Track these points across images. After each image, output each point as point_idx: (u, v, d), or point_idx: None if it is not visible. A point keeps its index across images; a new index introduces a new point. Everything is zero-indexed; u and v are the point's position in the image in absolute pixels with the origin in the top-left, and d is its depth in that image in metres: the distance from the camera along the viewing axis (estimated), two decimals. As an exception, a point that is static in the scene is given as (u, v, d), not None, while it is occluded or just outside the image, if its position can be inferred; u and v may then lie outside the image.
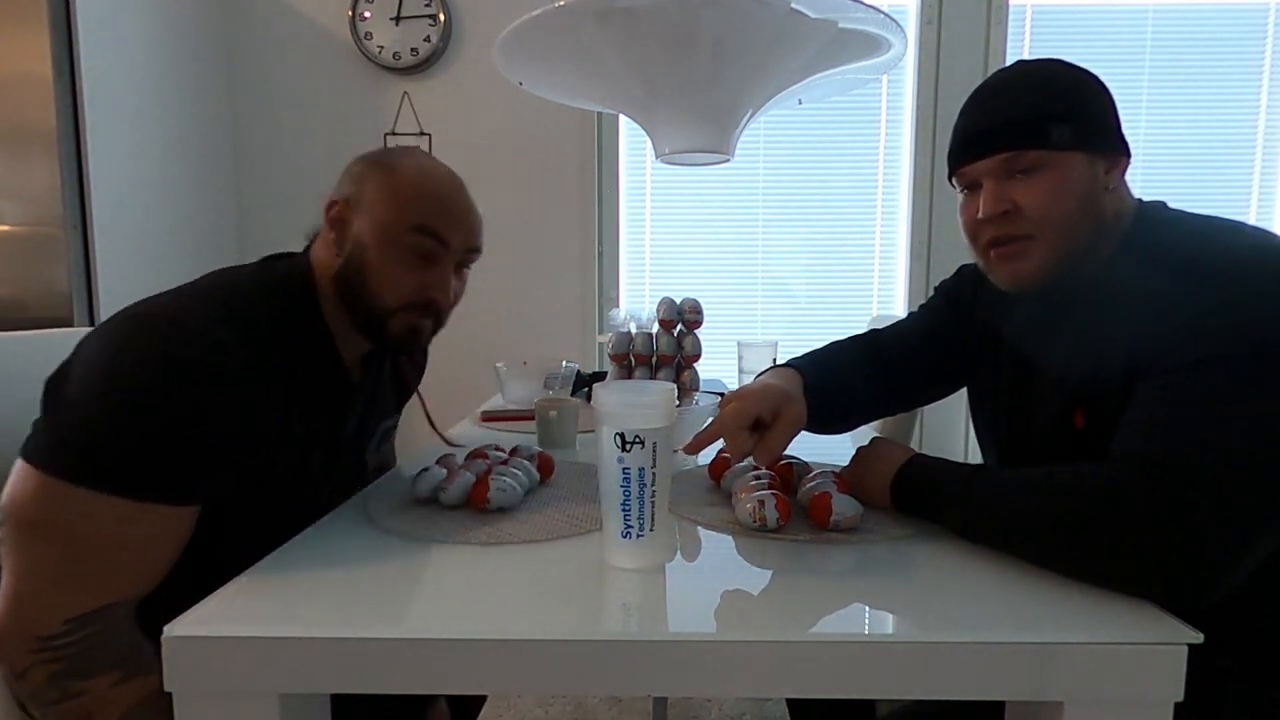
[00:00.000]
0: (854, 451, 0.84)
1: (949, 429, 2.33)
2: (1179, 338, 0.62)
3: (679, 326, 1.21)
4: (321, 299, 0.83)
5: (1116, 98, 0.75)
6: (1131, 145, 0.75)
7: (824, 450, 1.02)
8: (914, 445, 0.85)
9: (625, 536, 0.62)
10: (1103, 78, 0.76)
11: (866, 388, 0.96)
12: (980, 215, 0.75)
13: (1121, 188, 0.75)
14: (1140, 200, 0.76)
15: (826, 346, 0.99)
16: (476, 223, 0.89)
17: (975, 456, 2.45)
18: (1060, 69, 0.75)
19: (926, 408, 1.02)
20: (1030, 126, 0.72)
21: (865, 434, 1.37)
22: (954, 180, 0.80)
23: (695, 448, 0.78)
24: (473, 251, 0.89)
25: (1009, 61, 2.21)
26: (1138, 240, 0.73)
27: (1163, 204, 0.76)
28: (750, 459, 0.77)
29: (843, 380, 0.94)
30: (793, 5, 0.96)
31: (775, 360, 1.31)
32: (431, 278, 0.83)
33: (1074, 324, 0.76)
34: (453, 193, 0.86)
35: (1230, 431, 0.57)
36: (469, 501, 0.78)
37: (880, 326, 1.03)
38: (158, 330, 0.66)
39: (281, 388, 0.76)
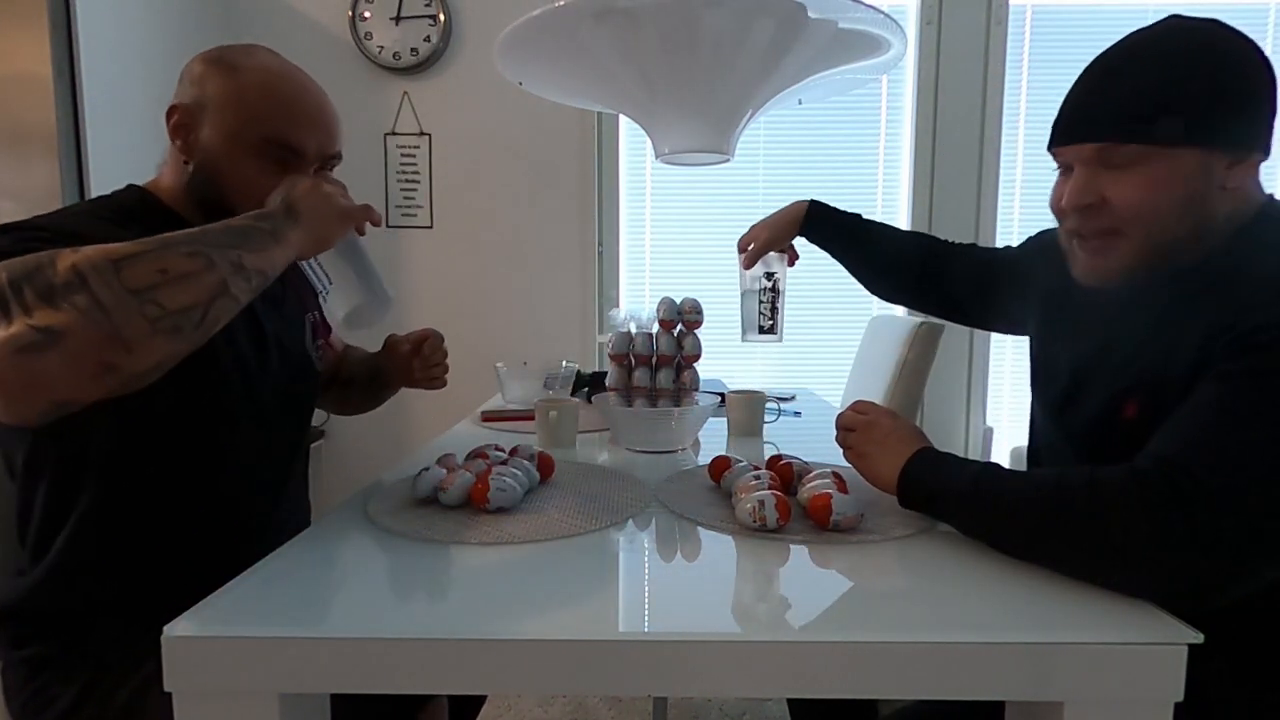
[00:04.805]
0: (859, 407, 0.82)
1: (950, 425, 2.33)
2: (1245, 344, 0.59)
3: (679, 326, 1.20)
4: (179, 208, 0.83)
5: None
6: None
7: (825, 450, 1.02)
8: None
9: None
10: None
11: (912, 246, 1.13)
12: (1064, 204, 0.71)
13: (1247, 185, 0.67)
14: (1271, 197, 0.70)
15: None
16: (331, 125, 0.85)
17: (975, 451, 2.45)
18: (1198, 42, 0.66)
19: (928, 403, 1.04)
20: (1134, 117, 0.65)
21: (867, 395, 1.37)
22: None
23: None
24: (332, 158, 0.86)
25: (1008, 62, 2.23)
26: (1245, 239, 0.67)
27: None
28: (749, 461, 0.86)
29: (881, 230, 1.16)
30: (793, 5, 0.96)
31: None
32: None
33: (1150, 314, 0.71)
34: (301, 95, 0.82)
35: (1260, 447, 0.55)
36: (469, 501, 0.78)
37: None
38: None
39: None
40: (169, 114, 0.82)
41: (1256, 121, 0.66)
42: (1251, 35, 0.68)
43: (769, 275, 1.21)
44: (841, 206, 1.18)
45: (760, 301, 1.21)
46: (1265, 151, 0.67)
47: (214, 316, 0.64)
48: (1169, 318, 0.69)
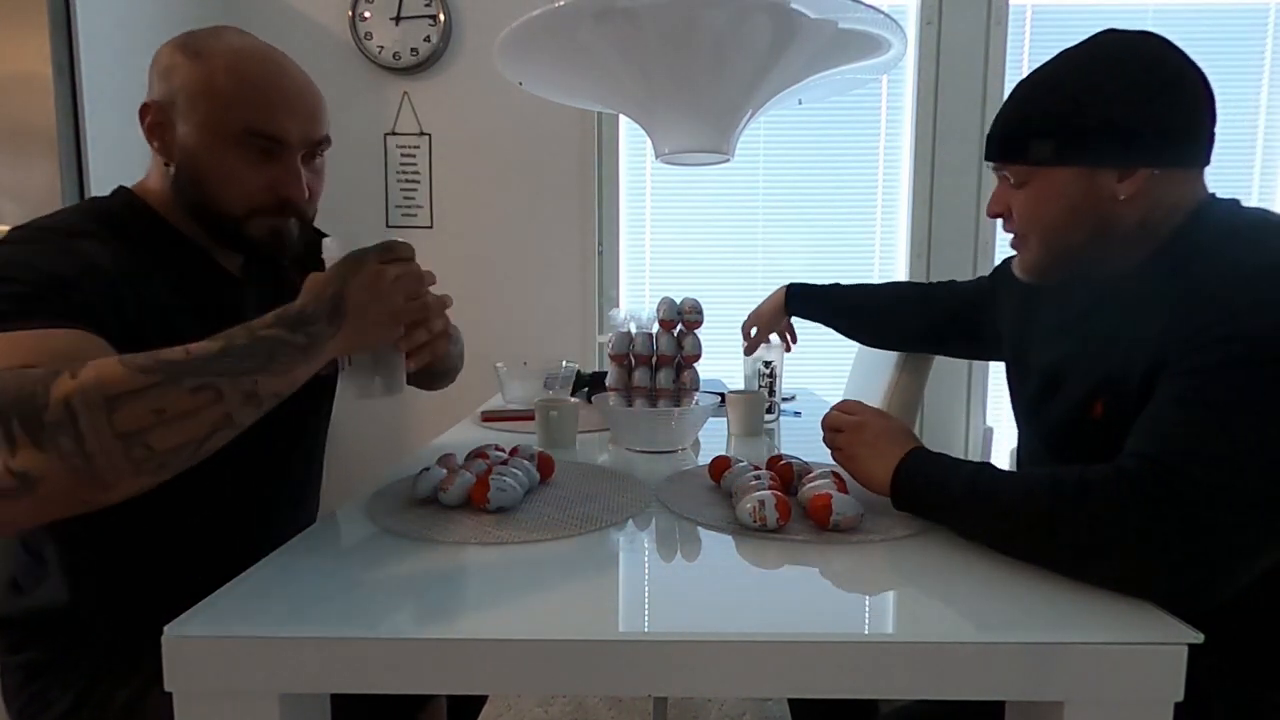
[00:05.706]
0: (846, 407, 0.83)
1: (950, 425, 2.33)
2: (1202, 339, 0.60)
3: (679, 326, 1.20)
4: (167, 213, 0.78)
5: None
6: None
7: (824, 450, 1.02)
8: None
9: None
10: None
11: (893, 301, 1.21)
12: (987, 212, 0.79)
13: (1159, 192, 0.69)
14: (1211, 197, 0.71)
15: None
16: (314, 108, 0.79)
17: (975, 451, 2.44)
18: (1083, 63, 0.70)
19: (927, 403, 1.06)
20: (1011, 141, 0.73)
21: (867, 396, 1.38)
22: None
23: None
24: (319, 144, 0.80)
25: (1008, 62, 2.23)
26: (1183, 240, 0.69)
27: (1234, 202, 0.71)
28: (749, 461, 0.87)
29: (859, 290, 1.26)
30: (793, 5, 0.96)
31: (774, 354, 1.34)
32: (277, 174, 0.77)
33: (1106, 316, 0.75)
34: (277, 77, 0.76)
35: (1243, 439, 0.56)
36: (469, 501, 0.78)
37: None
38: None
39: (153, 289, 0.73)
40: (142, 113, 0.76)
41: (1148, 135, 0.67)
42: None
43: (766, 364, 1.34)
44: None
45: (760, 386, 1.35)
46: (1167, 162, 0.68)
47: (208, 448, 0.58)
48: (1124, 318, 0.71)
